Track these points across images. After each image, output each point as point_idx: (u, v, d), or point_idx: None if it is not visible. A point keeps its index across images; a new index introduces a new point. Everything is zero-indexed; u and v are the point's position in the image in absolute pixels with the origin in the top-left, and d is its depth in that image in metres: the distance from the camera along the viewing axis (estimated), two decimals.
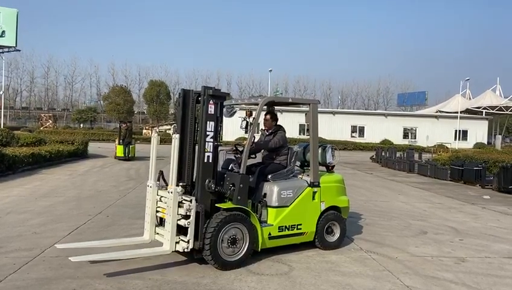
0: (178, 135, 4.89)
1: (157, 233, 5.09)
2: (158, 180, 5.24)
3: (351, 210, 6.72)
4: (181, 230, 4.74)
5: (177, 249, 4.70)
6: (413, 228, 7.38)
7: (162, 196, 5.03)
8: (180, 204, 4.71)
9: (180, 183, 4.83)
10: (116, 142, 19.39)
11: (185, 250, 4.64)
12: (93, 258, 4.52)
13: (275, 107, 6.26)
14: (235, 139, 30.58)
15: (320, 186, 5.65)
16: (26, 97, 79.37)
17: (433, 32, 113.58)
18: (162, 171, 5.20)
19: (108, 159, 18.97)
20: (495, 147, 36.85)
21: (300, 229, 5.44)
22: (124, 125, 19.60)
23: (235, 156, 5.66)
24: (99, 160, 18.34)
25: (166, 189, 5.14)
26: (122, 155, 18.26)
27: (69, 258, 4.37)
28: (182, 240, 4.67)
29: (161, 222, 5.08)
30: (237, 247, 4.81)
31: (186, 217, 4.65)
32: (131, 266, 4.65)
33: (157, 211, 5.11)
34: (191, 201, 4.65)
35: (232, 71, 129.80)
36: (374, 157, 24.74)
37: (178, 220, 4.71)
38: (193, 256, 4.81)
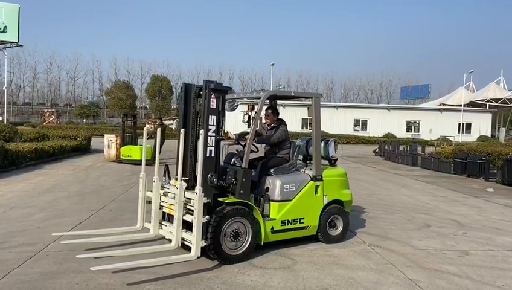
0: (203, 131, 4.71)
1: (161, 227, 5.11)
2: (164, 175, 5.25)
3: (354, 204, 6.72)
4: (185, 225, 4.74)
5: (188, 245, 4.67)
6: (417, 222, 7.36)
7: (166, 191, 5.03)
8: (187, 200, 4.69)
9: (183, 178, 4.83)
10: (116, 140, 15.71)
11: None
12: (117, 267, 4.21)
13: (277, 101, 6.24)
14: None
15: (322, 180, 5.63)
16: (29, 93, 79.45)
17: (436, 25, 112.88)
18: (167, 166, 5.22)
19: None
20: (499, 140, 36.70)
21: (303, 223, 5.44)
22: (154, 122, 15.23)
23: (237, 150, 5.66)
24: (102, 155, 18.34)
25: (171, 184, 5.15)
26: (149, 158, 12.55)
27: (91, 268, 4.07)
28: (188, 234, 4.65)
29: (168, 218, 5.11)
30: (240, 241, 4.81)
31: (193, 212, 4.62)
32: (133, 261, 4.64)
33: (161, 207, 5.13)
34: None
35: (234, 65, 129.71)
36: (377, 151, 24.69)
37: (183, 215, 4.70)
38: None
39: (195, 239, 4.46)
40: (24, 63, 73.70)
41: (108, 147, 16.05)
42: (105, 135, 16.62)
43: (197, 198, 4.44)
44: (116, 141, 15.85)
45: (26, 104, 77.29)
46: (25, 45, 48.68)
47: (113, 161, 15.40)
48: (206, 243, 4.53)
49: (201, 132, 4.64)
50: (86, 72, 78.90)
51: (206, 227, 4.61)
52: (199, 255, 4.49)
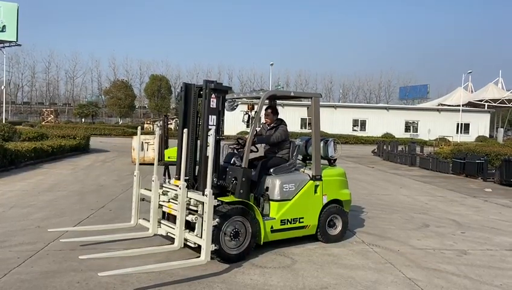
0: (212, 132, 4.63)
1: (159, 226, 5.13)
2: (164, 174, 5.26)
3: (353, 203, 6.74)
4: (186, 224, 4.75)
5: (188, 244, 4.69)
6: (415, 221, 7.39)
7: (165, 190, 5.04)
8: (188, 200, 4.71)
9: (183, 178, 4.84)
10: (155, 142, 15.16)
11: (193, 245, 4.64)
12: (125, 272, 4.11)
13: (277, 101, 6.25)
14: (237, 133, 30.59)
15: (322, 180, 5.65)
16: (27, 92, 79.41)
17: (435, 25, 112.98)
18: (167, 165, 5.23)
19: (110, 153, 18.95)
20: (497, 140, 36.78)
21: (302, 222, 5.46)
22: (152, 122, 13.56)
23: (237, 150, 5.67)
24: (101, 154, 18.35)
25: (171, 183, 5.16)
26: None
27: (99, 274, 3.90)
28: (191, 235, 4.66)
29: (168, 217, 5.13)
30: (240, 240, 4.83)
31: (194, 212, 4.63)
32: (134, 261, 4.65)
33: (160, 206, 5.14)
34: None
35: (234, 65, 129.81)
36: (376, 151, 24.73)
37: (186, 215, 4.71)
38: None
39: (205, 243, 4.34)
40: (23, 62, 73.72)
41: (142, 150, 15.15)
42: (135, 137, 15.86)
43: (207, 201, 4.32)
44: (152, 141, 15.06)
45: (24, 104, 77.19)
46: (24, 44, 48.62)
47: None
48: (216, 247, 4.46)
49: (210, 132, 4.53)
50: (85, 72, 79.29)
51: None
52: (209, 260, 4.40)
